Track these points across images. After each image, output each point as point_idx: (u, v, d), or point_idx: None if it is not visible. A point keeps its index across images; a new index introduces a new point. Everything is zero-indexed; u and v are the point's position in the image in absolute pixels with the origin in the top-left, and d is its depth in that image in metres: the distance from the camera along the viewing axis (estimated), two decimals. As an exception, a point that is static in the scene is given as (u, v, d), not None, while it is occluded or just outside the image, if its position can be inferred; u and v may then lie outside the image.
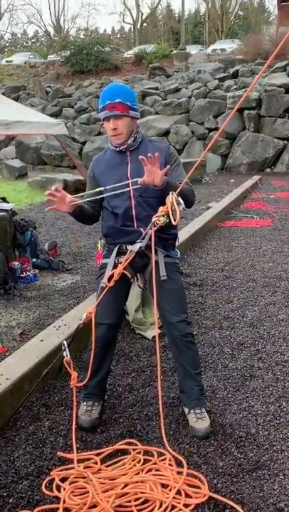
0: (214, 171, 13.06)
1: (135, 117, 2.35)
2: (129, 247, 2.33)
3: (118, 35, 52.19)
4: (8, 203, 5.00)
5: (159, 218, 2.20)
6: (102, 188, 2.33)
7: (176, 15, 43.01)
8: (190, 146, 14.05)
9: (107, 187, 2.32)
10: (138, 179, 2.21)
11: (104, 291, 2.28)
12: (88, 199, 2.39)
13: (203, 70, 17.72)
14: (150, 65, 21.64)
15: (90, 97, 18.16)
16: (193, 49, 27.45)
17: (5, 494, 1.93)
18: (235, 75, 16.73)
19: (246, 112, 13.01)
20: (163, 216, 2.19)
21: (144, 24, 43.13)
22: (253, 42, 20.21)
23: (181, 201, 2.15)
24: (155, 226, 2.22)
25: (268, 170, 12.84)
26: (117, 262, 2.37)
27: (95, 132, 15.34)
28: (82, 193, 2.39)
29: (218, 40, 33.57)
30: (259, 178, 10.98)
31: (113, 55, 25.39)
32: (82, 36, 32.28)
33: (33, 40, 55.35)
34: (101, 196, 2.37)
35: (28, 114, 5.02)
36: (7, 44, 51.75)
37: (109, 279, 2.29)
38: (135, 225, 2.36)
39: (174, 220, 2.15)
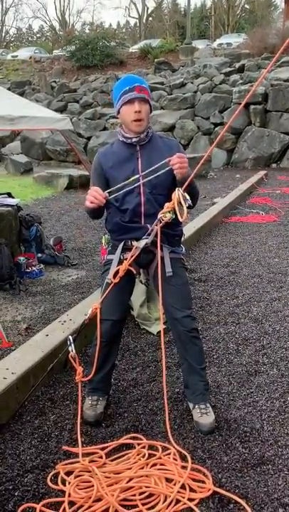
0: (220, 166, 13.01)
1: (151, 110, 2.36)
2: (135, 244, 2.33)
3: (123, 30, 51.97)
4: (13, 198, 5.01)
5: (165, 214, 2.19)
6: (117, 186, 2.30)
7: (182, 9, 42.75)
8: (195, 141, 13.99)
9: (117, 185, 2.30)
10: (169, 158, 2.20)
11: (110, 288, 2.28)
12: (110, 196, 2.35)
13: (209, 65, 17.60)
14: (156, 60, 21.54)
15: (95, 92, 18.12)
16: (200, 44, 27.31)
17: (11, 487, 1.95)
18: (241, 70, 16.62)
19: (252, 106, 12.92)
20: (169, 212, 2.19)
21: (150, 18, 42.94)
22: (260, 36, 20.07)
23: (188, 197, 2.14)
24: (161, 222, 2.22)
25: (274, 165, 12.77)
26: (122, 258, 2.36)
27: (100, 127, 15.31)
28: (112, 188, 2.33)
29: (224, 34, 33.37)
30: (265, 174, 10.93)
31: (118, 50, 25.30)
32: (87, 31, 32.24)
33: (38, 35, 55.27)
34: (120, 193, 2.32)
35: (34, 110, 5.02)
36: (12, 39, 51.71)
37: (115, 275, 2.28)
38: (142, 221, 2.34)
39: (181, 217, 2.14)
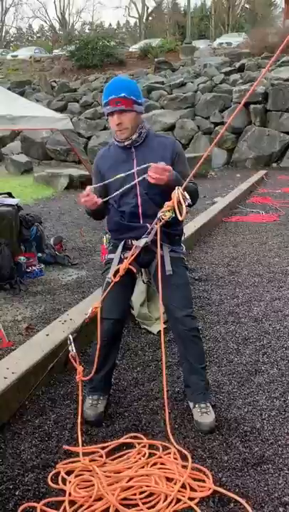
0: (220, 166, 13.01)
1: (140, 112, 2.34)
2: (135, 243, 2.33)
3: (123, 30, 51.98)
4: (13, 198, 5.01)
5: (164, 213, 2.19)
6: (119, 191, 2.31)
7: (182, 8, 42.72)
8: (195, 140, 13.99)
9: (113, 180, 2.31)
10: (145, 175, 2.21)
11: (110, 287, 2.28)
12: (105, 198, 2.38)
13: (209, 64, 17.61)
14: (156, 60, 21.54)
15: (95, 92, 18.11)
16: (201, 44, 27.29)
17: (11, 487, 1.95)
18: (241, 69, 16.62)
19: (252, 106, 12.91)
20: (169, 211, 2.19)
21: (150, 18, 42.92)
22: (260, 35, 20.07)
23: (187, 196, 2.14)
24: (161, 221, 2.22)
25: (274, 165, 12.77)
26: (122, 257, 2.36)
27: (100, 127, 15.31)
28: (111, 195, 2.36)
29: (224, 33, 33.36)
30: (265, 173, 10.93)
31: (118, 50, 25.31)
32: (87, 31, 32.22)
33: (38, 35, 55.30)
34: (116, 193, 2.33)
35: (34, 109, 5.03)
36: (12, 39, 51.73)
37: (115, 274, 2.29)
38: (141, 221, 2.36)
39: (180, 216, 2.14)
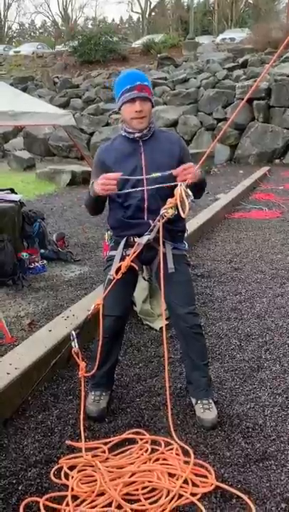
0: (223, 162, 12.96)
1: (153, 106, 2.35)
2: (137, 240, 2.32)
3: (126, 25, 51.80)
4: (16, 194, 5.02)
5: (167, 210, 2.18)
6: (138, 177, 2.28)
7: (185, 4, 42.48)
8: (198, 136, 13.94)
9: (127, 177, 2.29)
10: (172, 171, 2.20)
11: (112, 284, 2.28)
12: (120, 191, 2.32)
13: (212, 60, 17.53)
14: (159, 55, 21.46)
15: (97, 88, 18.07)
16: (204, 40, 27.14)
17: (14, 481, 1.96)
18: (244, 65, 16.54)
19: (255, 102, 12.85)
20: (171, 208, 2.18)
21: (153, 13, 42.73)
22: (263, 31, 19.98)
23: (190, 193, 2.14)
24: (163, 218, 2.21)
25: (277, 161, 12.72)
26: (124, 254, 2.35)
27: (102, 123, 15.28)
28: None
29: (227, 29, 33.17)
30: (268, 169, 10.89)
31: (121, 45, 25.20)
32: (90, 26, 32.13)
33: (40, 31, 55.16)
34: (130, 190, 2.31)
35: (36, 105, 5.01)
36: (15, 34, 51.61)
37: (117, 271, 2.28)
38: (145, 217, 2.34)
39: (183, 213, 2.13)
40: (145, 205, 2.32)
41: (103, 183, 2.21)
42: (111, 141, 2.47)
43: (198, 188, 2.30)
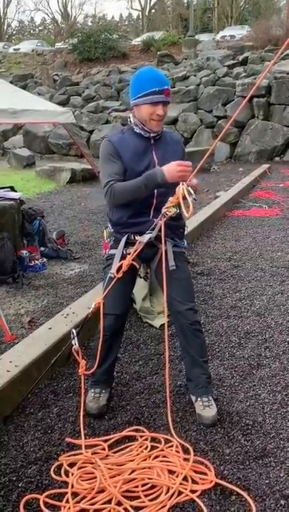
0: (222, 160, 12.96)
1: None
2: (138, 238, 2.31)
3: (126, 22, 51.63)
4: (16, 192, 5.01)
5: (169, 209, 2.18)
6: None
7: (185, 1, 42.36)
8: (198, 134, 13.94)
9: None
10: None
11: (113, 282, 2.27)
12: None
13: (212, 57, 17.50)
14: (158, 53, 21.44)
15: (97, 85, 18.06)
16: (205, 38, 27.07)
17: (14, 478, 1.96)
18: (244, 62, 16.53)
19: (255, 99, 12.84)
20: (173, 207, 2.18)
21: (153, 11, 42.62)
22: (263, 28, 19.94)
23: (192, 191, 2.14)
24: (165, 217, 2.21)
25: (277, 159, 12.72)
26: (125, 253, 2.34)
27: (102, 121, 15.27)
28: None
29: (227, 26, 33.09)
30: (268, 167, 10.88)
31: (121, 43, 25.18)
32: (89, 23, 32.06)
33: (40, 28, 54.98)
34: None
35: (36, 103, 5.01)
36: (14, 32, 51.49)
37: (118, 270, 2.28)
38: (151, 214, 2.32)
39: (187, 212, 2.13)
40: (154, 202, 2.31)
41: (182, 170, 2.16)
42: (120, 133, 2.40)
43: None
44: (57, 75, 21.46)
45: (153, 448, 2.11)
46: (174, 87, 15.51)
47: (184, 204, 2.14)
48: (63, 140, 14.00)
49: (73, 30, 27.31)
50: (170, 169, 2.18)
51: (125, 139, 2.35)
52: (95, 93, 17.40)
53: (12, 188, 5.03)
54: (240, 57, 17.09)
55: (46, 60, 26.06)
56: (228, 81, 14.70)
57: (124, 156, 2.31)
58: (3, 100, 4.43)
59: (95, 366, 2.32)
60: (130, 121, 2.38)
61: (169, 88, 2.29)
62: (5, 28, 47.05)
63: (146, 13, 41.76)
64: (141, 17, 44.64)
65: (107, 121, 15.11)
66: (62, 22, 43.64)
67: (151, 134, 2.34)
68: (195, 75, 16.04)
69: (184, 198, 2.11)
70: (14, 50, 29.88)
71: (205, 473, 1.95)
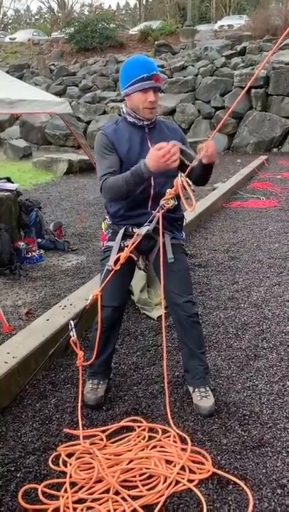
0: (220, 151, 12.90)
1: None
2: (136, 230, 2.29)
3: (123, 12, 51.10)
4: (12, 183, 4.99)
5: (167, 201, 2.17)
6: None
7: (183, -10, 41.88)
8: (196, 125, 13.87)
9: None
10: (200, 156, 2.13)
11: (110, 275, 2.26)
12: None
13: (210, 47, 17.37)
14: (156, 42, 21.24)
15: (94, 75, 17.91)
16: (204, 28, 26.80)
17: (13, 468, 1.98)
18: (242, 53, 16.40)
19: (253, 90, 12.76)
20: (172, 199, 2.17)
21: (150, 0, 42.12)
22: (262, 17, 19.77)
23: (190, 183, 2.12)
24: (163, 209, 2.19)
25: (275, 150, 12.68)
26: (122, 245, 2.32)
27: (99, 111, 15.16)
28: None
29: (225, 15, 32.79)
30: (266, 158, 10.85)
31: (118, 32, 24.92)
32: (86, 12, 31.70)
33: (36, 17, 54.36)
34: None
35: (33, 93, 4.96)
36: (10, 21, 50.91)
37: (116, 262, 2.26)
38: (149, 205, 2.30)
39: (190, 207, 2.10)
40: (151, 192, 2.28)
41: (164, 154, 1.99)
42: (114, 124, 2.36)
43: (209, 171, 2.29)
44: (53, 64, 21.25)
45: (150, 438, 2.12)
46: (172, 77, 15.41)
47: (183, 196, 2.13)
48: (60, 131, 13.90)
49: (70, 19, 26.93)
50: (151, 157, 2.05)
51: (120, 129, 2.32)
52: (92, 83, 17.25)
53: (9, 179, 5.00)
54: (239, 47, 16.94)
55: (42, 50, 25.78)
56: (226, 71, 14.60)
57: (119, 148, 2.28)
58: (0, 90, 4.39)
59: (93, 357, 2.32)
60: (123, 112, 2.34)
61: (158, 73, 2.24)
62: (0, 17, 46.55)
63: (144, 2, 41.32)
64: (138, 6, 44.20)
65: (104, 112, 15.00)
66: (58, 11, 43.16)
67: (145, 122, 2.30)
68: (193, 65, 15.92)
69: (185, 188, 2.10)
70: (10, 39, 29.57)
71: (202, 463, 1.97)
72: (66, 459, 2.00)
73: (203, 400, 2.31)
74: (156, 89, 2.24)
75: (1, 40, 29.95)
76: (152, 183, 2.28)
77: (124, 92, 2.29)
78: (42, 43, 27.57)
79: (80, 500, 1.81)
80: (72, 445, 2.09)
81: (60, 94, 15.83)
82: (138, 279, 3.46)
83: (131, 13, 49.84)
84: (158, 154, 2.04)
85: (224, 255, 4.66)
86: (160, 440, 2.10)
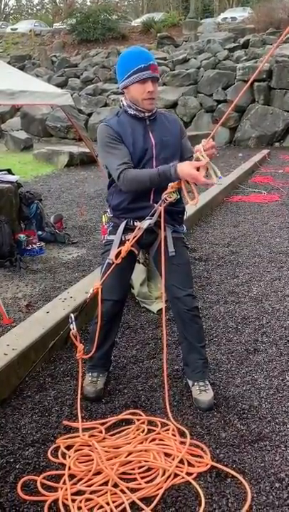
0: (222, 145, 12.85)
1: None
2: (138, 224, 2.28)
3: (125, 3, 50.56)
4: (13, 175, 4.97)
5: (169, 195, 2.16)
6: None
7: (186, -19, 41.50)
8: (198, 118, 13.80)
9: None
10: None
11: (111, 268, 2.26)
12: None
13: (212, 40, 17.22)
14: (158, 34, 21.07)
15: (96, 67, 17.79)
16: (207, 21, 26.57)
17: (12, 460, 1.98)
18: (245, 45, 16.28)
19: (256, 84, 12.68)
20: (174, 193, 2.16)
21: (153, -9, 41.73)
22: (265, 10, 19.60)
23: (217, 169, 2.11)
24: (165, 203, 2.18)
25: (277, 144, 12.63)
26: (123, 239, 2.31)
27: (101, 104, 15.08)
28: None
29: (228, 8, 32.52)
30: (268, 153, 10.81)
31: (120, 24, 24.73)
32: (88, 3, 31.44)
33: (38, 7, 53.88)
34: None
35: (34, 84, 4.93)
36: (12, 11, 50.52)
37: (117, 256, 2.25)
38: (151, 197, 2.28)
39: (192, 200, 2.09)
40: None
41: (194, 178, 2.08)
42: (116, 116, 2.34)
43: None
44: (55, 56, 21.10)
45: (150, 431, 2.13)
46: (174, 70, 15.31)
47: (185, 190, 2.12)
48: (61, 123, 13.83)
49: (72, 10, 26.69)
50: (185, 170, 2.10)
51: (122, 122, 2.30)
52: (94, 75, 17.14)
53: (9, 171, 4.99)
54: (242, 40, 16.81)
55: (44, 41, 25.59)
56: (229, 64, 14.50)
57: (125, 140, 2.26)
58: (1, 81, 4.35)
59: (93, 351, 2.32)
60: (123, 104, 2.32)
61: (155, 63, 2.22)
62: (2, 7, 46.19)
63: (147, -7, 40.92)
64: (141, -3, 43.77)
65: (106, 104, 14.93)
66: (60, 1, 42.79)
67: (146, 114, 2.28)
68: (195, 58, 15.81)
69: (187, 182, 2.09)
70: (12, 29, 29.34)
71: (201, 457, 1.97)
72: (65, 451, 2.01)
73: (203, 393, 2.31)
74: (154, 79, 2.22)
75: (2, 30, 29.72)
76: None
77: (122, 85, 2.27)
78: (43, 33, 27.36)
79: (79, 492, 1.81)
80: (71, 437, 2.09)
81: (61, 85, 15.73)
82: (138, 273, 3.45)
83: (133, 5, 49.40)
84: (191, 173, 2.08)
85: (225, 249, 4.65)
86: (159, 433, 2.11)
